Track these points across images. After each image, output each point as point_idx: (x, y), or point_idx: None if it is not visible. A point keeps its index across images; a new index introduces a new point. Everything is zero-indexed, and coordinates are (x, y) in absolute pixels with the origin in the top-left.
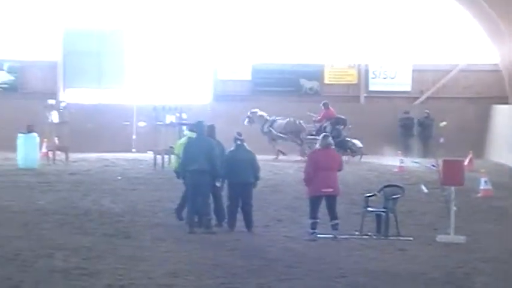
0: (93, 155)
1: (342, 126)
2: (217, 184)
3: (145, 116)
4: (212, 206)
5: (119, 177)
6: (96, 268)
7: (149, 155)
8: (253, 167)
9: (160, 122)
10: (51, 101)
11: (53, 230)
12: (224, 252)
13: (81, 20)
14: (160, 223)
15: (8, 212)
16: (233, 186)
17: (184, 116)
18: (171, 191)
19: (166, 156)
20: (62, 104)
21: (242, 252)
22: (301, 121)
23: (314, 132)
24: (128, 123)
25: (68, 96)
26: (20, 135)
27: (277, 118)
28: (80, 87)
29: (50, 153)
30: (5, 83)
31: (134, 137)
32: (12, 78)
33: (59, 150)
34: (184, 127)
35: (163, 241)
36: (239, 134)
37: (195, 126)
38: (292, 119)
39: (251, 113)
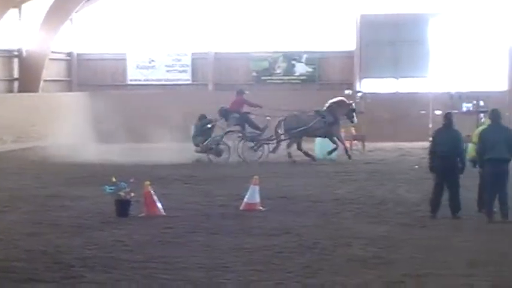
0: (389, 144)
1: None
2: None
3: (441, 104)
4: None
5: (416, 166)
6: (392, 257)
7: None
8: None
9: (456, 110)
10: (347, 91)
11: (350, 219)
12: None
13: (378, 7)
14: (459, 213)
15: (308, 202)
16: None
17: (481, 103)
18: (466, 179)
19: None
20: (358, 94)
21: None
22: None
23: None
24: (424, 111)
25: (365, 86)
26: None
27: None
28: (376, 77)
29: (348, 143)
30: (304, 75)
31: (430, 125)
32: (310, 69)
33: (355, 140)
34: (482, 115)
35: (460, 231)
36: None
37: (491, 114)
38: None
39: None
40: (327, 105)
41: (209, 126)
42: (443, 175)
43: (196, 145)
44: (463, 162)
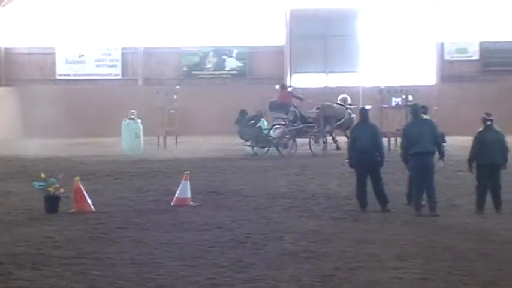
0: None
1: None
2: (441, 165)
3: (371, 99)
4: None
5: (346, 161)
6: (323, 251)
7: None
8: (503, 148)
9: (385, 104)
10: (278, 86)
11: (282, 213)
12: (452, 235)
13: (308, 2)
14: (388, 206)
15: (239, 196)
16: (482, 168)
17: (410, 97)
18: (397, 173)
19: (393, 139)
20: (289, 89)
21: (471, 235)
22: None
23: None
24: (355, 106)
25: (295, 80)
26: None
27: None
28: (306, 72)
29: None
30: (234, 69)
31: None
32: (241, 64)
33: None
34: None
35: (390, 224)
36: (488, 114)
37: (411, 109)
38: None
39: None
40: (340, 98)
41: (253, 122)
42: (364, 170)
43: (246, 140)
44: (382, 156)
